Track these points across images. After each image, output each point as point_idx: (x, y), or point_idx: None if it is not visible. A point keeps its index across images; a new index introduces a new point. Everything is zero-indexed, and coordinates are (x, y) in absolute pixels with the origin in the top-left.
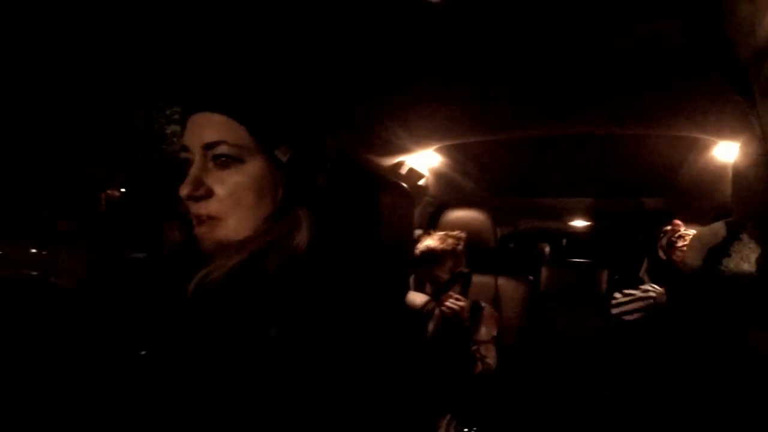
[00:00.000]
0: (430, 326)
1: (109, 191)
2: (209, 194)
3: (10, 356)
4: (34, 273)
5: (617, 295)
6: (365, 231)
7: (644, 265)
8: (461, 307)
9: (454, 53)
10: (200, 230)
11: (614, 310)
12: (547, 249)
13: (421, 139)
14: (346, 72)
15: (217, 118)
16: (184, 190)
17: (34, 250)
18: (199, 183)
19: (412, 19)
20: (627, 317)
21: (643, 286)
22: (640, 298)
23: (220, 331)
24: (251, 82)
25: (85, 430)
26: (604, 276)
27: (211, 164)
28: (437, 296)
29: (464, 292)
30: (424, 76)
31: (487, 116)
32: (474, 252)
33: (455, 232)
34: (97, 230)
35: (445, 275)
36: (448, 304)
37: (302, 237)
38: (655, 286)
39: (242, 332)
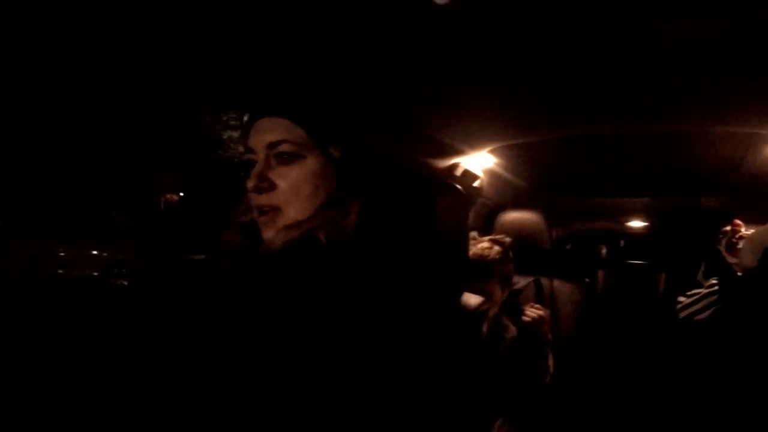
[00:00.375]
0: (484, 328)
1: (168, 195)
2: (272, 187)
3: (10, 356)
4: (95, 274)
5: (682, 298)
6: (417, 228)
7: (702, 268)
8: (541, 317)
9: (470, 53)
10: (263, 219)
11: (682, 314)
12: (604, 250)
13: (476, 140)
14: (390, 74)
15: (278, 121)
16: (251, 183)
17: (95, 252)
18: (263, 177)
19: (418, 19)
20: (698, 317)
21: (707, 282)
22: (707, 294)
23: (277, 294)
24: (307, 88)
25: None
26: (662, 279)
27: (273, 161)
28: (511, 303)
29: (540, 300)
30: (475, 77)
31: (542, 116)
32: (528, 254)
33: (500, 237)
34: (155, 232)
35: (496, 290)
36: (529, 312)
37: (350, 220)
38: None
39: (296, 296)
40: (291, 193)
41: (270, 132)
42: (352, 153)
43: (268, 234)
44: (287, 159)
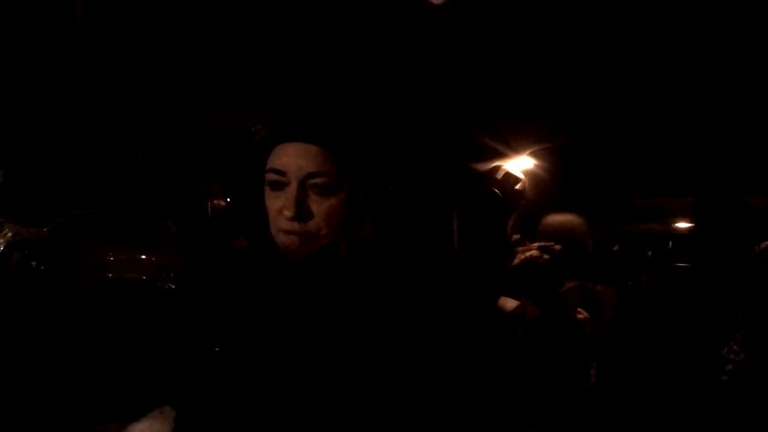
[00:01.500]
0: (519, 331)
1: (215, 200)
2: (310, 216)
3: (10, 356)
4: (144, 277)
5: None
6: (439, 232)
7: None
8: (585, 318)
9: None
10: (293, 242)
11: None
12: (649, 253)
13: (517, 143)
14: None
15: (314, 150)
16: (289, 212)
17: (143, 256)
18: (301, 206)
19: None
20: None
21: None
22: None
23: (306, 302)
24: (344, 116)
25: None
26: (708, 282)
27: (309, 190)
28: (555, 307)
29: (583, 305)
30: (515, 82)
31: (582, 117)
32: (570, 257)
33: (549, 244)
34: (202, 237)
35: (544, 296)
36: (576, 316)
37: (365, 231)
38: None
39: (323, 304)
40: (325, 221)
41: (307, 160)
42: (382, 185)
43: (297, 258)
44: (323, 188)
